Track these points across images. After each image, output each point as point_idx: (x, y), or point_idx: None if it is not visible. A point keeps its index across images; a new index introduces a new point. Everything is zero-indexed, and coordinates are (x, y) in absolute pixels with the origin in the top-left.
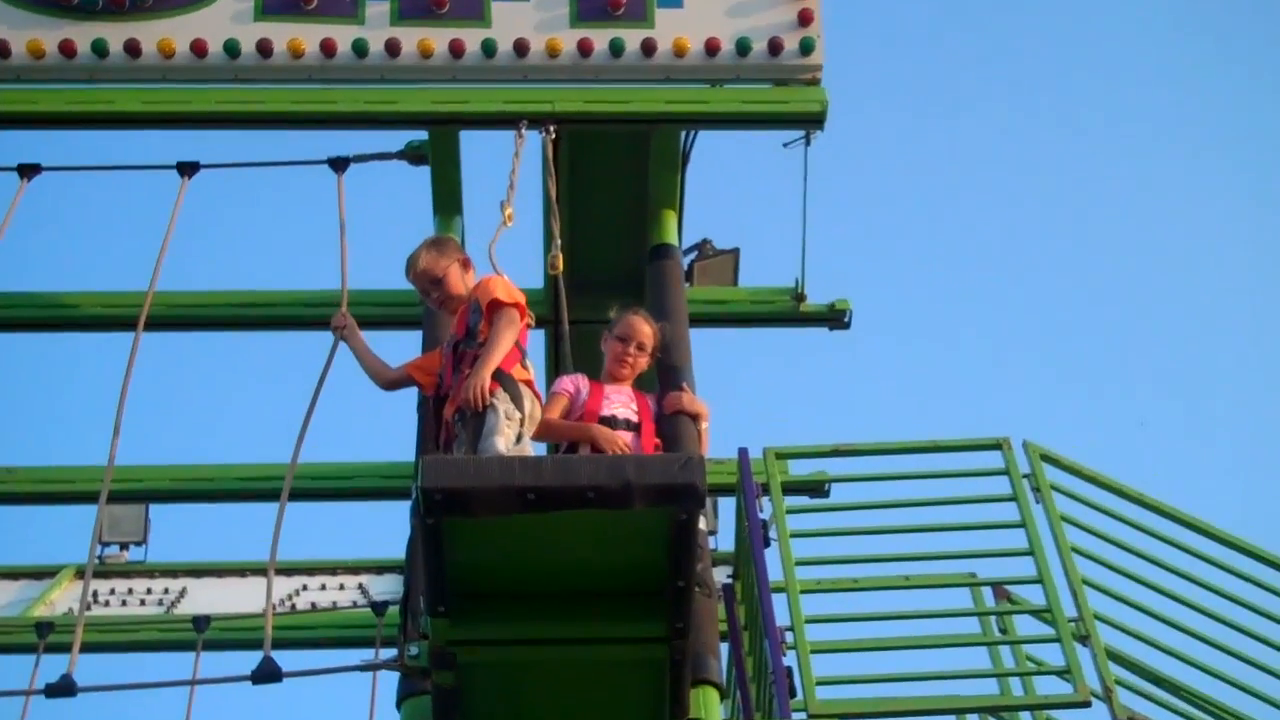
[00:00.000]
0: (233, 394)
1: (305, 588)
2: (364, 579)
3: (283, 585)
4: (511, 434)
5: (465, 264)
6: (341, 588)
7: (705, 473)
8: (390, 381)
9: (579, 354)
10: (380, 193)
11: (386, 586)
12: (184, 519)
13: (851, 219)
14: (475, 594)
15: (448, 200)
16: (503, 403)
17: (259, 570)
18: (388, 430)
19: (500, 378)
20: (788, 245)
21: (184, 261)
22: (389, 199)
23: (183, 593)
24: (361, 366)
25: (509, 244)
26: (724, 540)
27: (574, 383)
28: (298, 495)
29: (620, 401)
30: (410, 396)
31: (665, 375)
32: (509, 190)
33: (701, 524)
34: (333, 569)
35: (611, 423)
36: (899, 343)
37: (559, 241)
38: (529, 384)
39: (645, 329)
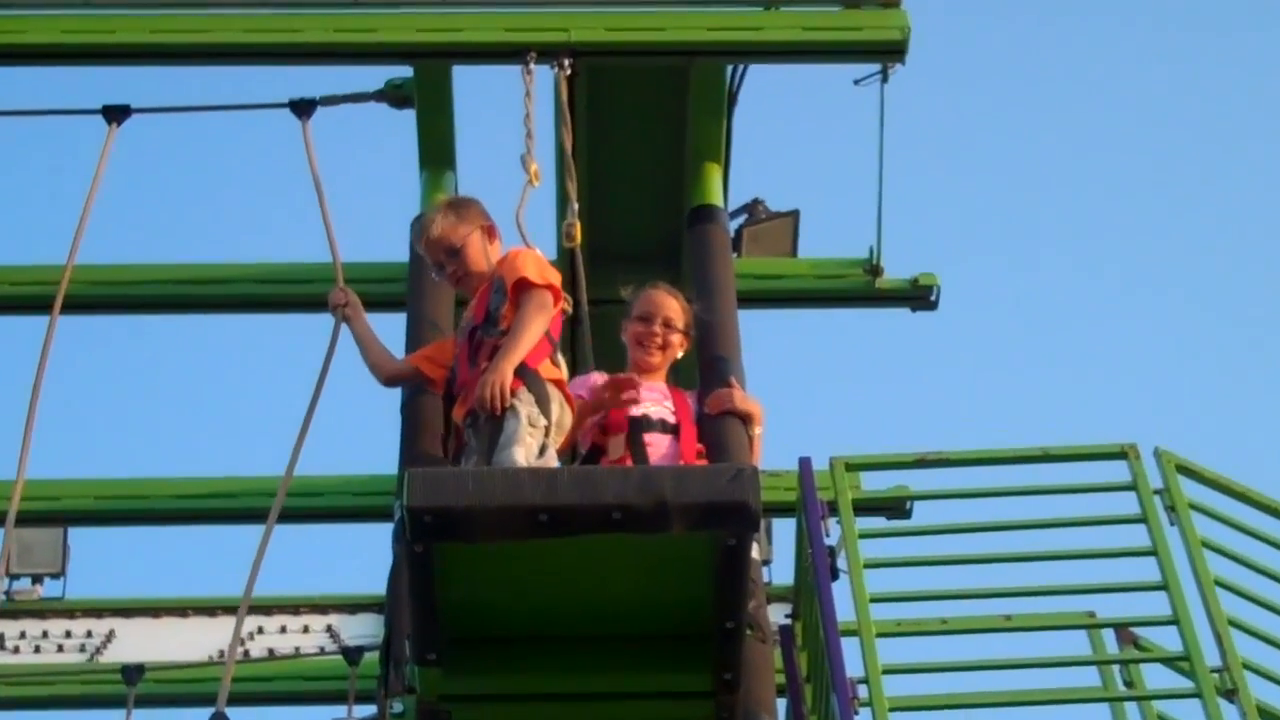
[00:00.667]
0: (172, 391)
1: (261, 630)
2: (334, 619)
3: (230, 627)
4: (534, 444)
5: (490, 232)
6: (306, 630)
7: (760, 488)
8: (393, 375)
9: (602, 344)
10: (354, 143)
11: (362, 629)
12: (111, 546)
13: (938, 174)
14: (474, 638)
15: (437, 152)
16: (525, 405)
17: (204, 608)
18: (364, 435)
19: (524, 375)
20: (859, 206)
21: (112, 229)
22: (365, 151)
23: (110, 636)
24: (362, 354)
25: (508, 210)
26: (781, 571)
27: (585, 384)
28: (251, 516)
29: (652, 398)
30: (393, 393)
31: (709, 368)
32: (528, 140)
33: (754, 552)
34: (295, 607)
35: (643, 424)
36: (998, 327)
37: (575, 206)
38: (559, 384)
39: (671, 302)
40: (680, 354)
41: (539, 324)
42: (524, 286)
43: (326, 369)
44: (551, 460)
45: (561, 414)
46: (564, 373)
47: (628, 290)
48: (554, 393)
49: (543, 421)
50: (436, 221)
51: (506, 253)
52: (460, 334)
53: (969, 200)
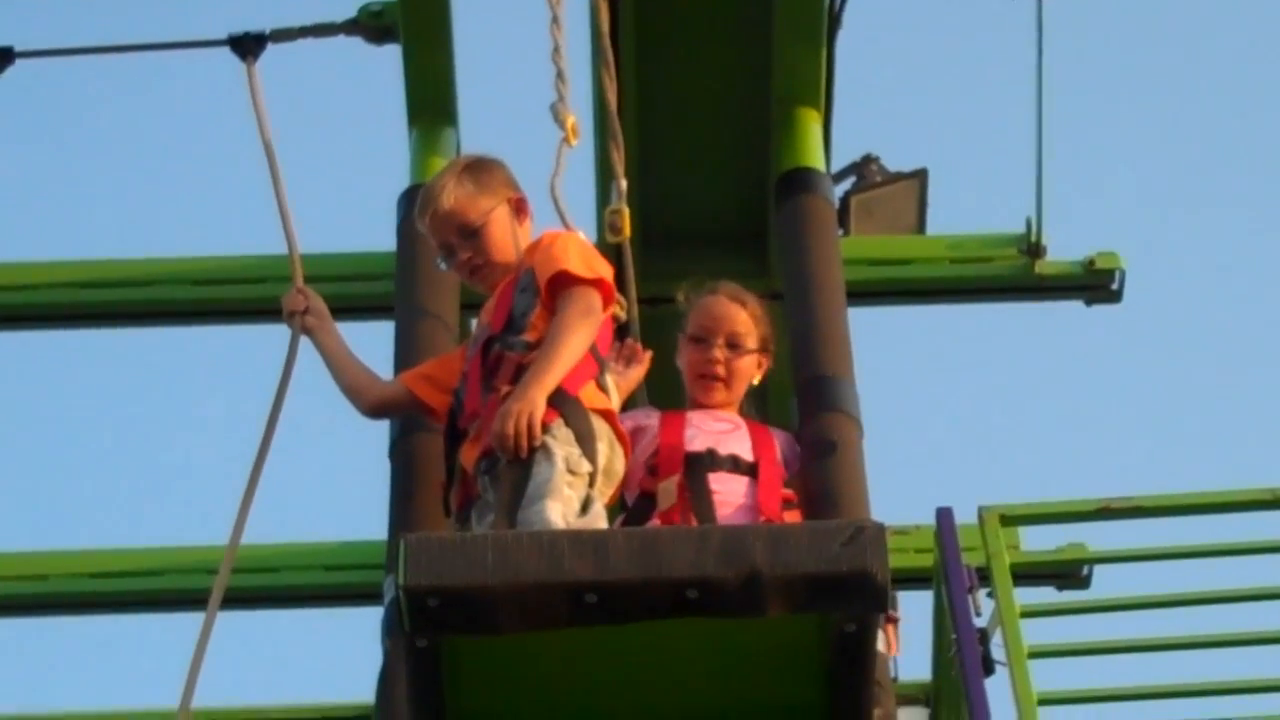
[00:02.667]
0: (75, 430)
1: None
2: None
3: None
4: (574, 498)
5: (519, 208)
6: None
7: (887, 552)
8: (379, 402)
9: (661, 359)
10: (319, 92)
11: None
12: (6, 640)
13: (1119, 120)
14: None
15: (431, 101)
16: (562, 445)
17: None
18: (338, 487)
19: (561, 404)
20: (1010, 164)
21: None
22: (333, 103)
23: None
24: (333, 376)
25: (535, 182)
26: (912, 664)
27: (633, 423)
28: (184, 601)
29: (717, 430)
30: (378, 429)
31: (808, 392)
32: (559, 84)
33: (879, 642)
34: None
35: (705, 462)
36: (1203, 326)
37: (622, 184)
38: (609, 417)
39: (735, 312)
40: (758, 379)
41: (583, 335)
42: (564, 282)
43: (281, 398)
44: (599, 519)
45: (612, 456)
46: (615, 401)
47: (681, 293)
48: (601, 428)
49: (586, 467)
50: (449, 189)
51: (539, 237)
52: (471, 346)
53: (1161, 155)
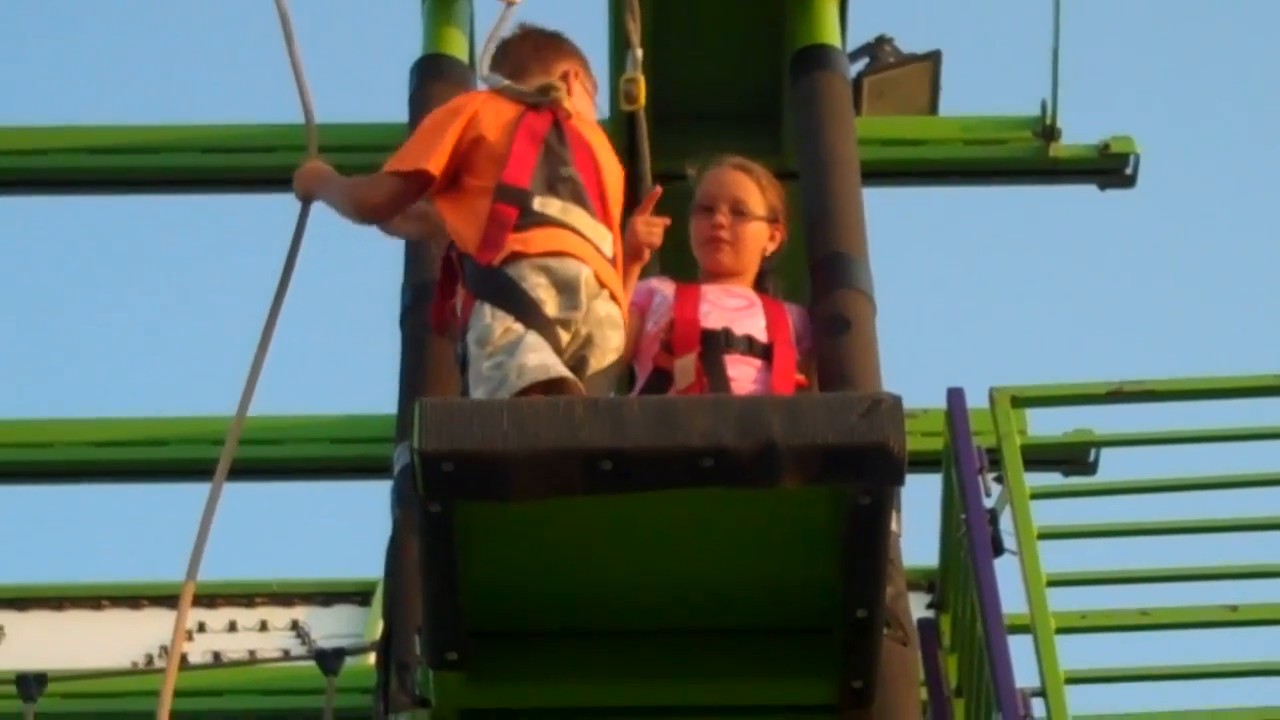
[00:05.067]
0: (81, 299)
1: (203, 627)
2: (302, 613)
3: (163, 623)
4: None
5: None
6: (264, 627)
7: (904, 425)
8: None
9: (675, 234)
10: None
11: (340, 625)
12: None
13: (1137, 4)
14: (510, 633)
15: None
16: (474, 328)
17: (124, 598)
18: (347, 362)
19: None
20: (1024, 45)
21: None
22: None
23: None
24: (337, 207)
25: None
26: (919, 547)
27: (645, 286)
28: (187, 471)
29: (734, 304)
30: (387, 298)
31: (822, 269)
32: None
33: (893, 521)
34: (249, 596)
35: (721, 341)
36: (1220, 211)
37: (638, 53)
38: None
39: (740, 179)
40: (771, 249)
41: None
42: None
43: (290, 270)
44: (602, 378)
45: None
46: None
47: (693, 171)
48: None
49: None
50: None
51: None
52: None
53: (1177, 39)
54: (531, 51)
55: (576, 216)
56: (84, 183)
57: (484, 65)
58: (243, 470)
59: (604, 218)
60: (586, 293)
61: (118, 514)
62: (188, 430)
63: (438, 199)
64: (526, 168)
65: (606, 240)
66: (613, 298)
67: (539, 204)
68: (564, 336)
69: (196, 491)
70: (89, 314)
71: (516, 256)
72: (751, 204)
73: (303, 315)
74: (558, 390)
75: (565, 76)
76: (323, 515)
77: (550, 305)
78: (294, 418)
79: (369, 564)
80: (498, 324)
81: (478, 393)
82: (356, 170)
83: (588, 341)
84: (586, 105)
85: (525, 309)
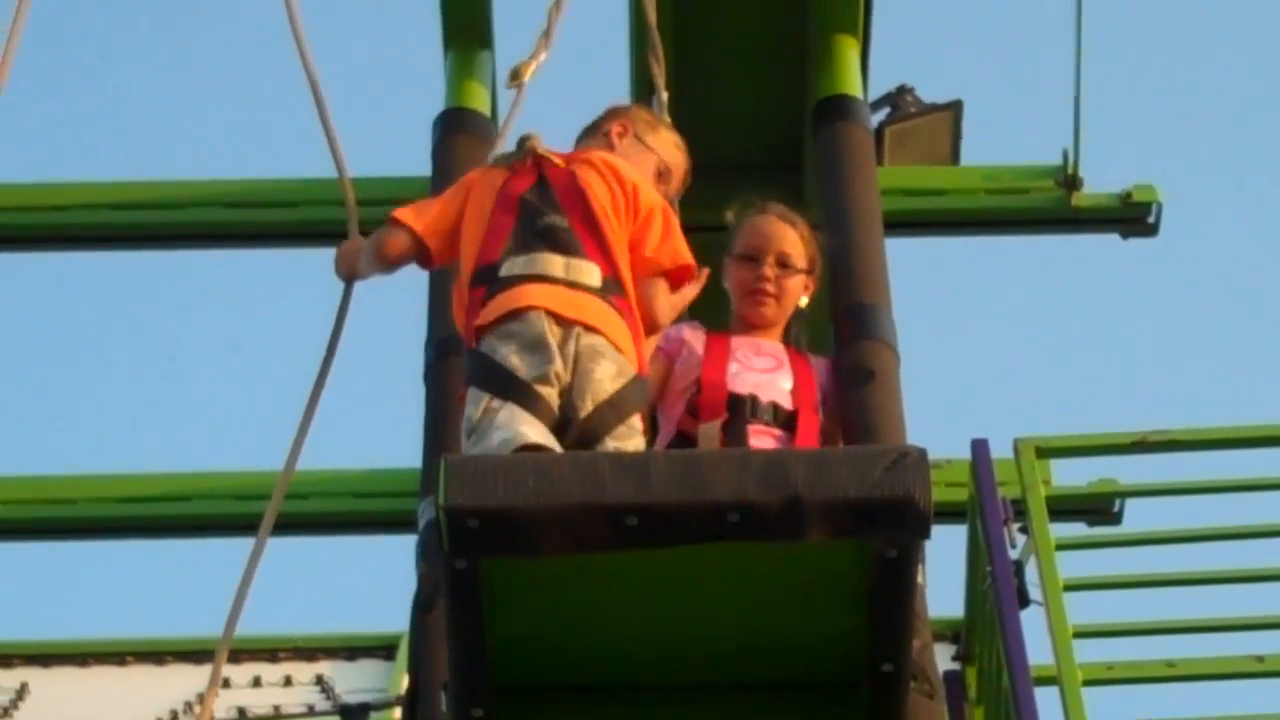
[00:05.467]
0: (111, 354)
1: (228, 682)
2: (326, 667)
3: (187, 679)
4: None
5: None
6: (288, 682)
7: (929, 478)
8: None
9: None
10: (357, 13)
11: (365, 680)
12: (25, 568)
13: (1158, 51)
14: (536, 688)
15: (467, 24)
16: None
17: (149, 654)
18: (370, 417)
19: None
20: (1046, 95)
21: (24, 133)
22: (371, 24)
23: (21, 692)
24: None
25: (565, 100)
26: (944, 597)
27: (676, 334)
28: (205, 527)
29: (762, 365)
30: (412, 357)
31: (846, 320)
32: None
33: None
34: (273, 651)
35: (748, 409)
36: (1241, 260)
37: (664, 96)
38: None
39: (786, 231)
40: (805, 301)
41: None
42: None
43: (334, 349)
44: (634, 437)
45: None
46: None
47: (730, 212)
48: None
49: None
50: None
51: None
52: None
53: (1199, 88)
54: (585, 133)
55: (545, 263)
56: (107, 238)
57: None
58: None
59: (597, 252)
60: (554, 341)
61: (141, 570)
62: (210, 486)
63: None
64: (500, 239)
65: (591, 273)
66: (590, 328)
67: (505, 269)
68: (549, 392)
69: (220, 546)
70: (111, 369)
71: (483, 331)
72: (795, 257)
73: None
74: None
75: (608, 134)
76: (347, 569)
77: (523, 368)
78: (318, 472)
79: (394, 618)
80: (476, 407)
81: None
82: (376, 224)
83: (574, 386)
84: (633, 148)
85: (499, 381)
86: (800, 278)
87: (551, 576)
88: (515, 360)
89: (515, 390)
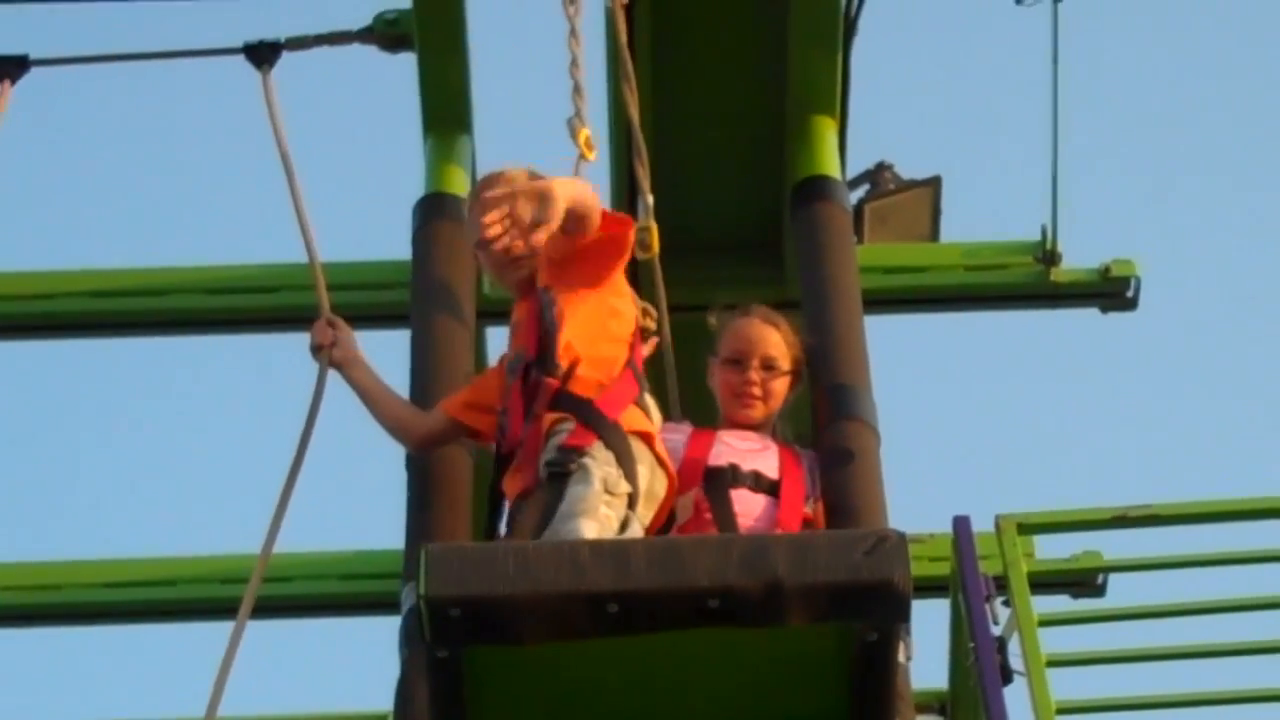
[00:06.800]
0: (91, 440)
1: None
2: None
3: None
4: (614, 518)
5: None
6: None
7: (909, 562)
8: (427, 436)
9: (685, 362)
10: (335, 100)
11: None
12: (8, 651)
13: (1133, 127)
14: None
15: (446, 108)
16: (601, 466)
17: None
18: (354, 498)
19: (600, 426)
20: (1024, 172)
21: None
22: (349, 110)
23: None
24: (371, 412)
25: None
26: (931, 669)
27: (672, 437)
28: (191, 611)
29: (744, 448)
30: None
31: (826, 401)
32: (576, 97)
33: (900, 652)
34: None
35: (727, 477)
36: (1223, 335)
37: (649, 200)
38: (648, 439)
39: (769, 335)
40: (789, 398)
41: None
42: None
43: (309, 432)
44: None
45: (653, 480)
46: (656, 424)
47: (712, 316)
48: (642, 451)
49: (625, 488)
50: (521, 179)
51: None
52: (510, 373)
53: (1176, 162)
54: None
55: None
56: (89, 326)
57: None
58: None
59: None
60: None
61: (127, 654)
62: (196, 570)
63: None
64: None
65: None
66: None
67: None
68: None
69: (206, 630)
70: (95, 456)
71: None
72: (780, 359)
73: (310, 453)
74: None
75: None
76: (333, 648)
77: None
78: (302, 555)
79: (380, 697)
80: None
81: None
82: (358, 309)
83: None
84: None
85: None
86: (785, 379)
87: (533, 662)
88: None
89: None
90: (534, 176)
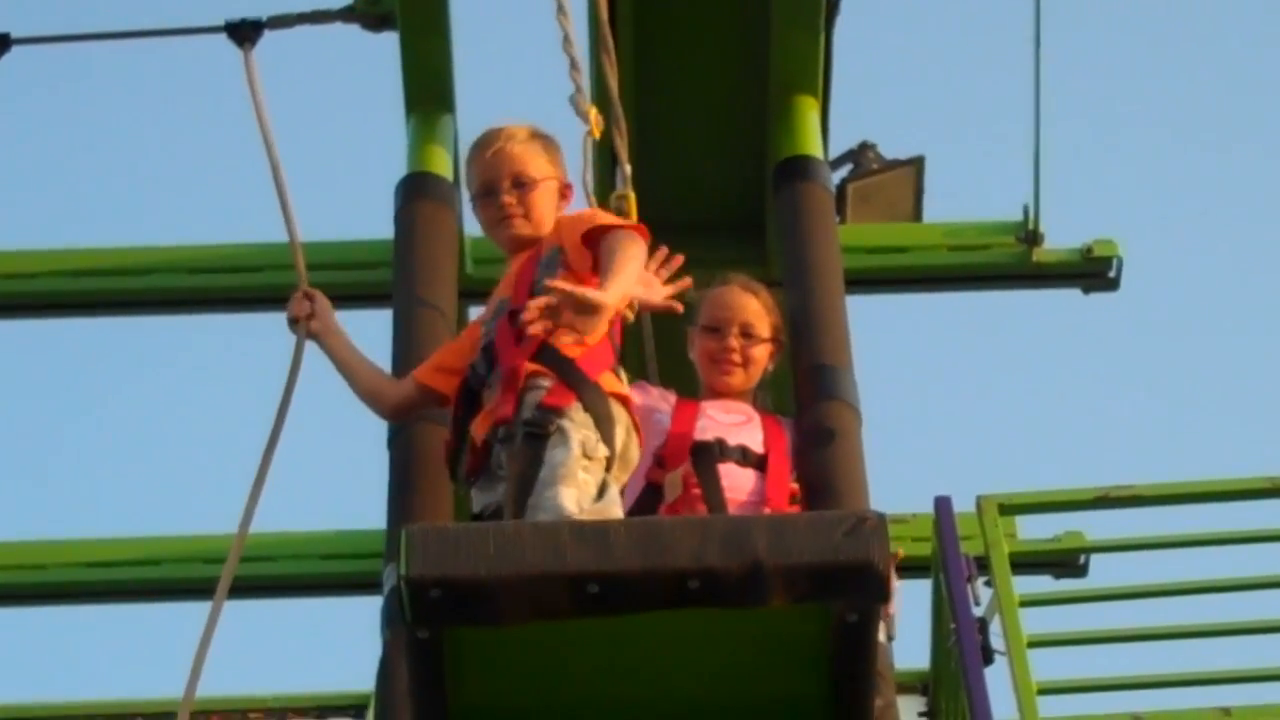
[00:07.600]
0: (72, 420)
1: None
2: None
3: None
4: (591, 483)
5: (564, 193)
6: None
7: (888, 542)
8: (400, 404)
9: (662, 342)
10: (318, 79)
11: None
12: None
13: (1117, 106)
14: None
15: (429, 89)
16: (579, 428)
17: (118, 715)
18: (336, 478)
19: (580, 386)
20: (1006, 151)
21: None
22: (331, 89)
23: None
24: (347, 381)
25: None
26: (910, 653)
27: (643, 397)
28: (183, 591)
29: (730, 420)
30: (377, 420)
31: (807, 380)
32: (574, 74)
33: (880, 632)
34: (243, 711)
35: (715, 452)
36: (1205, 314)
37: (627, 170)
38: (626, 402)
39: (749, 301)
40: (770, 367)
41: (636, 264)
42: (603, 231)
43: (287, 404)
44: (614, 505)
45: (628, 442)
46: (628, 388)
47: (692, 289)
48: (620, 413)
49: (603, 451)
50: (519, 138)
51: (561, 217)
52: (490, 320)
53: (1158, 141)
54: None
55: None
56: (72, 305)
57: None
58: (235, 588)
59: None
60: None
61: (111, 633)
62: (180, 549)
63: None
64: None
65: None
66: None
67: None
68: None
69: (190, 610)
70: (79, 435)
71: None
72: (760, 327)
73: (291, 431)
74: None
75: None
76: (316, 628)
77: None
78: (284, 534)
79: (362, 677)
80: None
81: None
82: (341, 288)
83: None
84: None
85: None
86: (765, 345)
87: (513, 643)
88: None
89: None
90: (535, 135)
